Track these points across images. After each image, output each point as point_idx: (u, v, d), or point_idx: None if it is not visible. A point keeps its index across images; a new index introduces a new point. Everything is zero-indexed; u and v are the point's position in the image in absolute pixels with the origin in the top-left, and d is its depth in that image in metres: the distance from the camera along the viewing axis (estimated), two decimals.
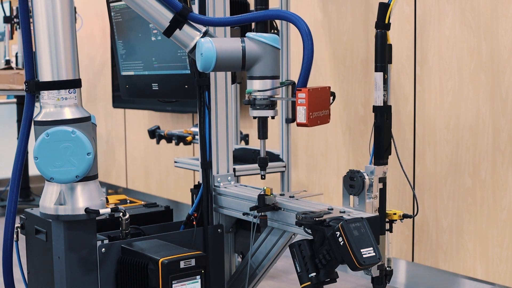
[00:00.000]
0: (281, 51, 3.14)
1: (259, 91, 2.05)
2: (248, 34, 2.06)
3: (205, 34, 2.10)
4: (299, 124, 1.96)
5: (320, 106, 1.99)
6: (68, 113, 1.93)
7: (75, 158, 1.91)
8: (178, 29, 2.08)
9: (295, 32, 3.78)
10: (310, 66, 1.97)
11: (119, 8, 2.73)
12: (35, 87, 1.95)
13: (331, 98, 2.04)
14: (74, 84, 1.95)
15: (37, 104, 2.02)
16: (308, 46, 1.96)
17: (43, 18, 1.92)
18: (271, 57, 2.05)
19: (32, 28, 1.97)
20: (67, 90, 1.94)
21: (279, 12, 2.06)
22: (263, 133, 2.16)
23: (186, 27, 2.08)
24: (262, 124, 2.16)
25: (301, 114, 1.95)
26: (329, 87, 2.03)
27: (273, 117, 2.11)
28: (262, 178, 2.22)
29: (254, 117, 2.11)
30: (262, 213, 2.21)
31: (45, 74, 1.93)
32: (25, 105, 2.02)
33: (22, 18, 2.00)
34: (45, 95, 1.94)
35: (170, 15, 2.07)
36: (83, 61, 5.91)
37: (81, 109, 1.97)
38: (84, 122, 1.95)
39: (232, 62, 2.04)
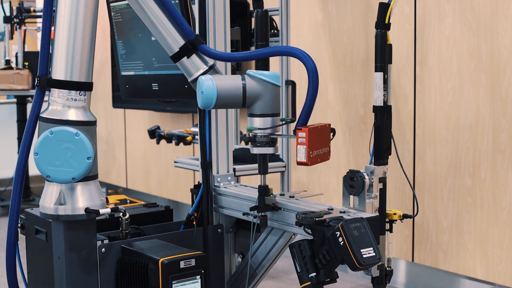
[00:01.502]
0: None
1: (259, 129, 2.06)
2: (249, 71, 2.07)
3: (211, 68, 2.11)
4: (299, 163, 1.98)
5: (321, 144, 2.00)
6: (74, 115, 1.93)
7: (75, 160, 1.91)
8: (186, 57, 2.09)
9: (295, 32, 3.79)
10: (312, 105, 1.98)
11: (119, 8, 2.73)
12: (47, 83, 1.95)
13: (331, 134, 2.05)
14: (86, 86, 1.96)
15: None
16: (314, 85, 1.96)
17: (66, 16, 1.93)
18: (271, 94, 2.06)
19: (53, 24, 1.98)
20: (78, 92, 1.94)
21: (289, 49, 2.04)
22: (263, 169, 2.18)
23: (194, 57, 2.10)
24: (263, 161, 2.17)
25: (302, 153, 1.97)
26: (329, 124, 2.04)
27: (273, 154, 2.12)
28: None
29: (255, 154, 2.12)
30: (262, 213, 2.22)
31: (59, 72, 1.94)
32: (33, 99, 2.02)
33: (45, 14, 2.00)
34: (55, 93, 1.94)
35: (181, 42, 2.08)
36: None
37: (88, 112, 1.97)
38: (90, 126, 1.95)
39: (233, 100, 2.05)
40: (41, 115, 1.95)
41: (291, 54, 2.01)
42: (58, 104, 1.94)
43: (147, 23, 2.10)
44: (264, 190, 2.20)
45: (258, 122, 2.07)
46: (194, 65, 2.10)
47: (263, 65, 2.18)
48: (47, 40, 2.01)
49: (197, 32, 2.42)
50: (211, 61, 2.12)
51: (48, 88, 1.96)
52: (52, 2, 1.99)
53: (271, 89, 2.06)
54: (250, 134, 2.09)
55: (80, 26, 1.94)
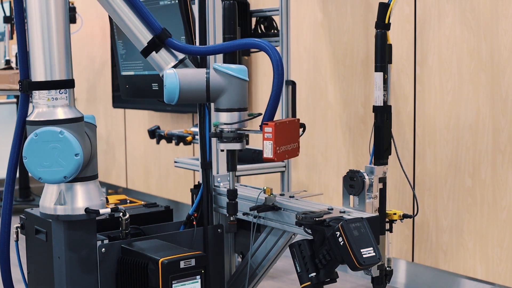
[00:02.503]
0: (281, 52, 3.14)
1: (225, 124, 2.04)
2: (215, 65, 2.05)
3: (181, 62, 2.09)
4: (265, 159, 1.95)
5: (288, 139, 1.96)
6: (59, 114, 1.93)
7: (63, 159, 1.90)
8: (154, 52, 2.08)
9: (295, 32, 3.79)
10: (278, 98, 1.95)
11: None
12: (28, 86, 1.95)
13: (301, 130, 2.02)
14: (65, 84, 1.95)
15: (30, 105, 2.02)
16: (279, 78, 1.94)
17: (37, 17, 1.92)
18: (237, 89, 2.03)
19: (26, 27, 1.97)
20: (58, 90, 1.93)
21: (255, 41, 2.03)
22: (232, 166, 2.13)
23: (163, 51, 2.09)
24: (231, 157, 2.13)
25: (268, 148, 1.93)
26: (298, 120, 2.01)
27: (240, 150, 2.08)
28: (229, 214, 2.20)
29: (222, 150, 2.09)
30: (232, 218, 2.19)
31: (38, 74, 1.93)
32: (19, 104, 2.03)
33: (17, 18, 2.00)
34: (36, 95, 1.94)
35: (149, 36, 2.08)
36: (83, 61, 5.91)
37: (73, 109, 1.96)
38: (75, 122, 1.94)
39: (197, 94, 2.03)
40: (27, 119, 1.95)
41: (257, 46, 2.01)
42: (41, 106, 1.93)
43: (116, 20, 2.09)
44: (232, 195, 2.16)
45: (224, 117, 2.04)
46: (164, 59, 2.09)
47: (231, 58, 2.14)
48: (24, 44, 2.00)
49: (197, 32, 2.42)
50: (181, 55, 2.11)
51: (30, 91, 1.95)
52: (22, 6, 1.98)
53: (237, 83, 2.03)
54: (216, 129, 2.07)
55: (53, 24, 1.92)
